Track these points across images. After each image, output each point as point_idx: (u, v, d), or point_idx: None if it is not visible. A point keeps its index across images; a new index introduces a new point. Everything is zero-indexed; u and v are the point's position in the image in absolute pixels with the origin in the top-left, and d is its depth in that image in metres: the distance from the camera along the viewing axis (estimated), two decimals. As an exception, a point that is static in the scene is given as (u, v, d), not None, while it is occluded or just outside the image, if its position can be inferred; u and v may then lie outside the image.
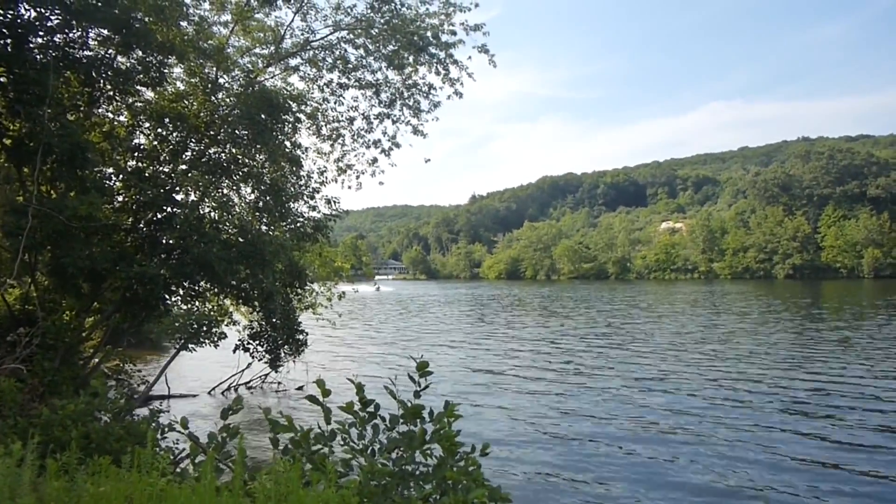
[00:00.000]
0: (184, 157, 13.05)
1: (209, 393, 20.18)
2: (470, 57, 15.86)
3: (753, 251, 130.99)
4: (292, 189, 15.06)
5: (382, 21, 15.56)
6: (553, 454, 13.43)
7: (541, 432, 15.11)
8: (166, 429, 5.51)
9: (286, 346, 16.48)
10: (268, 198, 13.87)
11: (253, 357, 16.81)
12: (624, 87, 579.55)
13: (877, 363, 23.11)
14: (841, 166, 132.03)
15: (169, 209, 12.05)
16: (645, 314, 48.64)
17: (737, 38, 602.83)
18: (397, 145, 17.10)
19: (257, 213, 14.07)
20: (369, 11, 15.57)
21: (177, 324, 14.20)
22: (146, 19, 11.12)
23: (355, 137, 17.31)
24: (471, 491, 3.75)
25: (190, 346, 14.65)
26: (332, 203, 16.17)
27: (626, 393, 19.10)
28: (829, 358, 24.64)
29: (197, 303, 14.29)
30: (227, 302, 15.85)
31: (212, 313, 15.21)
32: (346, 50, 16.16)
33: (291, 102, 14.21)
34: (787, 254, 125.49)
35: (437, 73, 16.01)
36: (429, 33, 15.59)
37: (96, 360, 12.62)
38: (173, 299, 12.98)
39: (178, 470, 4.71)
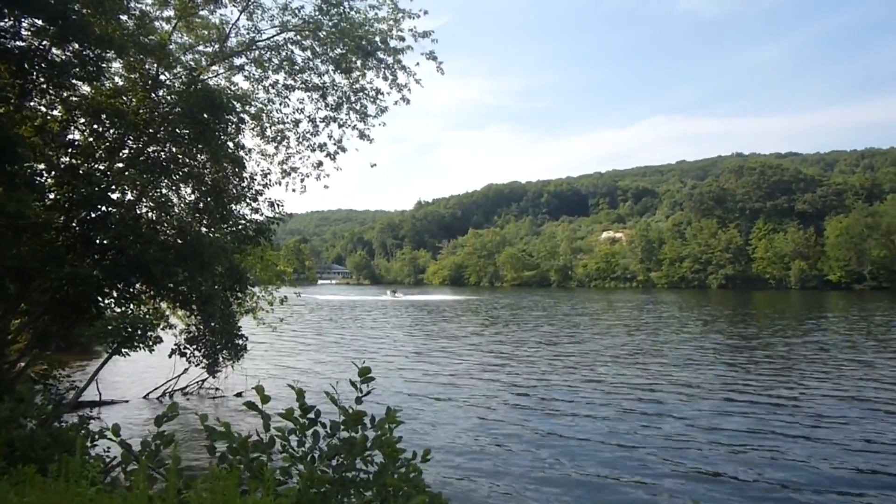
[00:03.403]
0: (121, 154, 12.64)
1: (144, 399, 19.56)
2: (418, 63, 15.88)
3: (689, 261, 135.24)
4: (234, 191, 14.76)
5: (330, 24, 15.44)
6: (494, 460, 13.54)
7: (482, 439, 15.21)
8: (97, 436, 5.32)
9: (225, 351, 16.16)
10: (209, 199, 13.55)
11: (190, 362, 16.41)
12: (570, 99, 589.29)
13: (804, 372, 24.22)
14: (771, 182, 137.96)
15: (104, 208, 11.66)
16: (587, 322, 49.60)
17: (678, 56, 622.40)
18: (343, 149, 16.96)
19: (197, 215, 13.73)
20: (317, 14, 15.43)
21: (109, 327, 13.68)
22: (84, 11, 10.74)
23: (300, 140, 17.09)
24: (411, 497, 3.75)
25: (123, 350, 14.16)
26: (276, 206, 15.92)
27: (566, 399, 19.43)
28: (760, 368, 25.68)
29: (132, 305, 13.84)
30: (164, 305, 15.40)
31: (147, 317, 14.73)
32: (292, 51, 15.96)
33: (235, 102, 13.94)
34: (721, 264, 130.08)
35: (385, 79, 15.98)
36: (377, 38, 15.55)
37: (22, 363, 12.07)
38: (106, 301, 12.54)
39: (108, 479, 4.56)
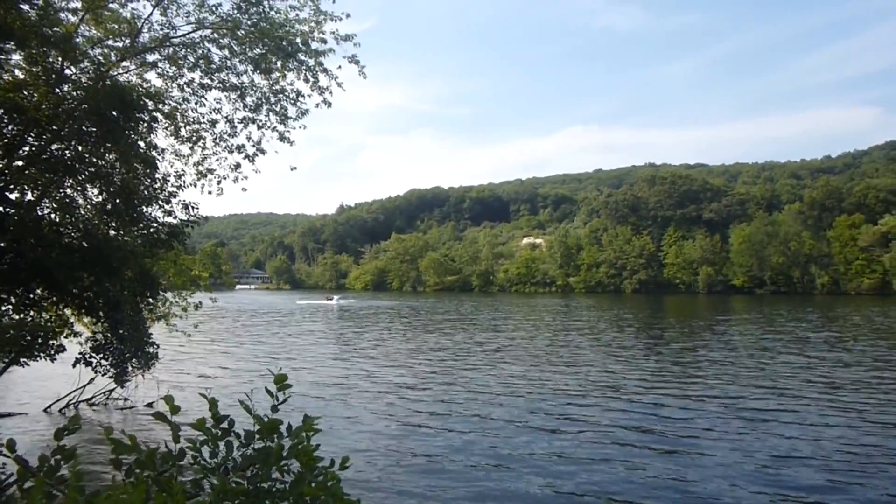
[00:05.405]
0: (20, 152, 11.89)
1: (45, 411, 18.46)
2: (340, 66, 15.67)
3: (605, 267, 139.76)
4: (146, 192, 14.15)
5: (249, 23, 15.05)
6: (413, 466, 13.54)
7: (402, 444, 15.19)
8: (-11, 452, 4.97)
9: (134, 360, 15.43)
10: (117, 200, 12.93)
11: (96, 371, 15.58)
12: (492, 107, 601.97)
13: (709, 371, 25.44)
14: (681, 191, 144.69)
15: (1, 209, 10.94)
16: (508, 326, 50.36)
17: (595, 69, 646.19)
18: (262, 151, 16.53)
19: (105, 217, 13.09)
20: (235, 12, 15.00)
21: (7, 335, 12.84)
22: (-21, -1, 10.08)
23: (217, 141, 16.53)
24: (328, 506, 3.70)
25: (22, 359, 13.31)
26: (191, 208, 15.37)
27: (486, 403, 19.66)
28: (664, 369, 26.78)
29: (32, 312, 13.04)
30: (68, 311, 14.58)
31: (49, 324, 13.92)
32: (209, 49, 15.43)
33: (147, 100, 13.39)
34: (635, 270, 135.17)
35: (306, 81, 15.69)
36: (298, 39, 15.27)
37: None
38: (3, 308, 11.77)
39: (3, 498, 4.27)
